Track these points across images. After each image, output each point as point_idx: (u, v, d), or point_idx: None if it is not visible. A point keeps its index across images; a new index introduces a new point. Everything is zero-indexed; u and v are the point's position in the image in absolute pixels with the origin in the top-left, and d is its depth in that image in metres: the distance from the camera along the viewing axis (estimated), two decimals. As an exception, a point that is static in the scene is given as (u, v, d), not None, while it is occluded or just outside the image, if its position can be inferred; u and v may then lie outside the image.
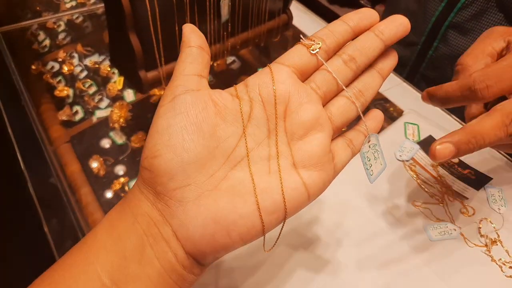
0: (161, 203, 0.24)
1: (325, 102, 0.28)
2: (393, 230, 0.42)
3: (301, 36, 0.27)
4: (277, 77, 0.26)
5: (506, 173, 0.48)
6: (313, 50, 0.27)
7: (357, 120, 0.30)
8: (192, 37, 0.26)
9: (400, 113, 0.59)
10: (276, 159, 0.26)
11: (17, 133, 0.56)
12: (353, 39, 0.28)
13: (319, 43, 0.27)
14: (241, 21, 0.57)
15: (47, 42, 0.75)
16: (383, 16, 0.28)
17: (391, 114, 0.61)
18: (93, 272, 0.23)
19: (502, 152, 0.53)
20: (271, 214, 0.24)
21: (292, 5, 0.79)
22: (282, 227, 0.26)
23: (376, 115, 0.30)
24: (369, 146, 0.29)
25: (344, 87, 0.27)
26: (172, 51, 0.52)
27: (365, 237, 0.42)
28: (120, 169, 0.57)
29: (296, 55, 0.27)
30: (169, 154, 0.23)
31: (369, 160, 0.29)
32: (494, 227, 0.43)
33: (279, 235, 0.27)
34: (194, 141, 0.24)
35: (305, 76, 0.27)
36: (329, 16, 0.96)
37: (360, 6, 1.40)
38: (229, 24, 0.56)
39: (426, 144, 0.51)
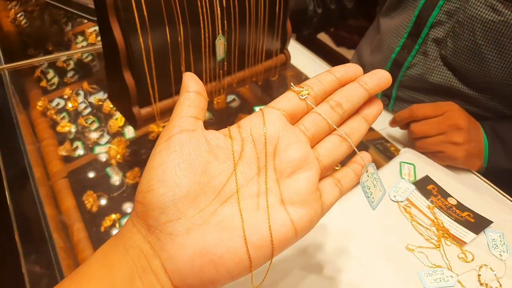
0: (152, 236, 0.25)
1: (314, 144, 0.30)
2: (384, 276, 0.40)
3: (291, 83, 0.30)
4: (268, 119, 0.28)
5: (508, 216, 0.46)
6: (302, 96, 0.29)
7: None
8: (191, 83, 0.29)
9: (397, 151, 0.57)
10: (265, 195, 0.27)
11: (9, 170, 0.56)
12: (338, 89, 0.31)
13: (307, 90, 0.29)
14: (238, 60, 0.58)
15: (55, 80, 0.78)
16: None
17: (392, 153, 0.60)
18: None
19: (504, 194, 0.50)
20: (258, 249, 0.25)
21: (292, 45, 0.80)
22: (270, 264, 0.27)
23: (364, 156, 0.31)
24: (368, 175, 0.30)
25: (335, 127, 0.29)
26: (167, 88, 0.53)
27: (354, 283, 0.39)
28: (113, 206, 0.56)
29: (286, 100, 0.29)
30: (162, 189, 0.25)
31: (369, 188, 0.30)
32: (495, 275, 0.40)
33: (268, 270, 0.28)
34: (186, 177, 0.25)
35: (295, 119, 0.30)
36: (336, 59, 0.98)
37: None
38: (225, 63, 0.57)
39: (423, 184, 0.49)
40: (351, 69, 0.31)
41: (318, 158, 0.29)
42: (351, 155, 0.31)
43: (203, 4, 0.49)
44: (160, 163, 0.25)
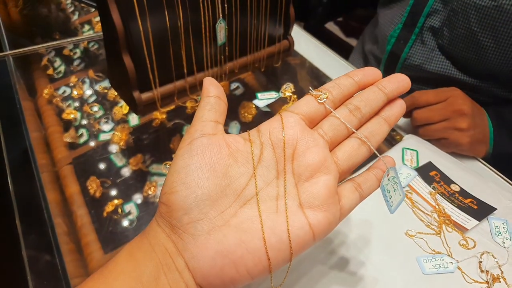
0: (175, 236, 0.26)
1: (332, 147, 0.30)
2: (383, 261, 0.39)
3: (310, 87, 0.30)
4: (287, 124, 0.29)
5: (511, 204, 0.45)
6: (320, 100, 0.29)
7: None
8: (211, 88, 0.30)
9: (400, 138, 0.56)
10: (284, 199, 0.27)
11: (11, 157, 0.57)
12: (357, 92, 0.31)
13: (326, 94, 0.30)
14: (239, 45, 0.57)
15: (62, 68, 0.78)
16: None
17: (396, 140, 0.59)
18: None
19: (509, 181, 0.49)
20: (277, 251, 0.26)
21: (297, 32, 0.79)
22: (289, 266, 0.27)
23: (387, 160, 0.31)
24: (389, 179, 0.30)
25: (354, 130, 0.29)
26: (167, 73, 0.52)
27: (352, 268, 0.39)
28: (116, 191, 0.57)
29: (304, 104, 0.30)
30: (185, 190, 0.26)
31: (389, 192, 0.29)
32: (497, 262, 0.39)
33: (287, 272, 0.28)
34: (207, 180, 0.26)
35: (313, 123, 0.30)
36: (346, 49, 0.96)
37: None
38: (227, 48, 0.56)
39: (425, 170, 0.48)
40: (370, 72, 0.31)
41: (337, 162, 0.29)
42: (372, 157, 0.30)
43: (203, -13, 0.49)
44: (183, 166, 0.26)
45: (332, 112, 0.30)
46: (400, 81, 0.30)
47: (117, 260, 0.27)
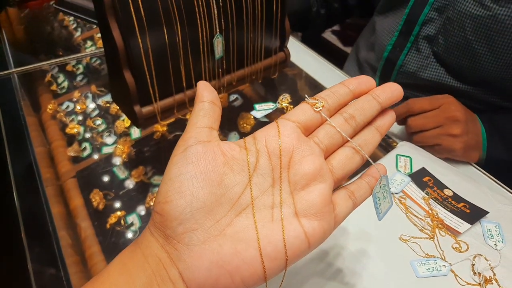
0: (169, 246, 0.26)
1: (327, 156, 0.30)
2: (377, 265, 0.40)
3: (306, 95, 0.30)
4: (283, 131, 0.28)
5: (504, 207, 0.46)
6: (316, 108, 0.29)
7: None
8: (205, 93, 0.29)
9: (395, 145, 0.57)
10: (279, 207, 0.27)
11: (16, 171, 0.58)
12: (351, 101, 0.31)
13: (322, 102, 0.30)
14: (236, 58, 0.59)
15: (65, 84, 0.80)
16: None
17: (391, 147, 0.60)
18: None
19: (502, 184, 0.50)
20: (272, 260, 0.25)
21: (293, 43, 0.81)
22: (284, 274, 0.27)
23: (380, 168, 0.31)
24: (380, 187, 0.30)
25: (349, 139, 0.30)
26: (167, 87, 0.54)
27: (347, 271, 0.40)
28: (118, 203, 0.58)
29: (300, 112, 0.29)
30: (180, 200, 0.25)
31: (379, 200, 0.30)
32: (489, 264, 0.40)
33: (282, 281, 0.28)
34: (202, 189, 0.26)
35: (309, 131, 0.30)
36: (344, 58, 0.98)
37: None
38: (224, 62, 0.58)
39: (419, 176, 0.49)
40: (364, 80, 0.31)
41: (332, 170, 0.29)
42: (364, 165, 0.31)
43: (200, 3, 0.51)
44: (177, 175, 0.26)
45: (327, 120, 0.30)
46: (393, 90, 0.31)
47: (109, 271, 0.26)
